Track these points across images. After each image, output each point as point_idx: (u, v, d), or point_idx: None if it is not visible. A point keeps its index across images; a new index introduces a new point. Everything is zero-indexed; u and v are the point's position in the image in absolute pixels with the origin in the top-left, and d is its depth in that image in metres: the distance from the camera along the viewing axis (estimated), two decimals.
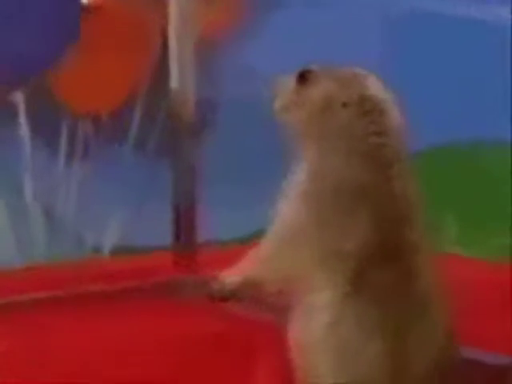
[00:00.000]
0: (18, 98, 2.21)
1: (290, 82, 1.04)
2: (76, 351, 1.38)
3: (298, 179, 1.00)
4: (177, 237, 1.81)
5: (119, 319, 1.56)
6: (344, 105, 0.99)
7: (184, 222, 1.80)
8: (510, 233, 1.99)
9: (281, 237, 1.00)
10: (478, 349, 1.20)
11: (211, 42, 2.25)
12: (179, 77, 1.76)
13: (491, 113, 2.11)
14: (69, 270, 1.96)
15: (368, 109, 0.98)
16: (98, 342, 1.42)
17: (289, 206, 0.99)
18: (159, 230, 1.86)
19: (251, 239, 1.83)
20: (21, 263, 2.17)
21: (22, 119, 2.21)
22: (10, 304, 1.61)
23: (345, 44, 2.14)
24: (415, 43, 2.23)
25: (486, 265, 1.88)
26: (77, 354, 1.37)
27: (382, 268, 0.94)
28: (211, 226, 1.88)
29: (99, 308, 1.61)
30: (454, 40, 2.19)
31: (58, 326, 1.51)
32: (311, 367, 0.97)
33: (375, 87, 1.00)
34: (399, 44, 2.25)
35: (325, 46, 2.10)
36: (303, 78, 1.02)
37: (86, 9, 2.24)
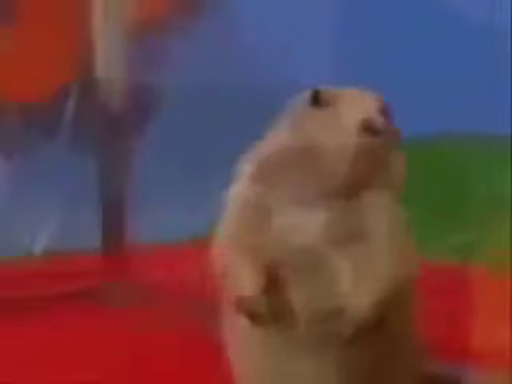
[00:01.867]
0: None
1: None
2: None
3: None
4: (105, 239, 1.77)
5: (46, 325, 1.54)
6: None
7: (111, 224, 1.77)
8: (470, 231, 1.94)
9: None
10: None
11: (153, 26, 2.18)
12: (106, 67, 1.72)
13: (459, 104, 2.07)
14: None
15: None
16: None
17: None
18: (91, 232, 1.81)
19: (184, 242, 1.81)
20: None
21: None
22: None
23: None
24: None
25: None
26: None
27: None
28: (143, 227, 1.80)
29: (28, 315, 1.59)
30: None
31: None
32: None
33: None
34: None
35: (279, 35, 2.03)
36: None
37: None
